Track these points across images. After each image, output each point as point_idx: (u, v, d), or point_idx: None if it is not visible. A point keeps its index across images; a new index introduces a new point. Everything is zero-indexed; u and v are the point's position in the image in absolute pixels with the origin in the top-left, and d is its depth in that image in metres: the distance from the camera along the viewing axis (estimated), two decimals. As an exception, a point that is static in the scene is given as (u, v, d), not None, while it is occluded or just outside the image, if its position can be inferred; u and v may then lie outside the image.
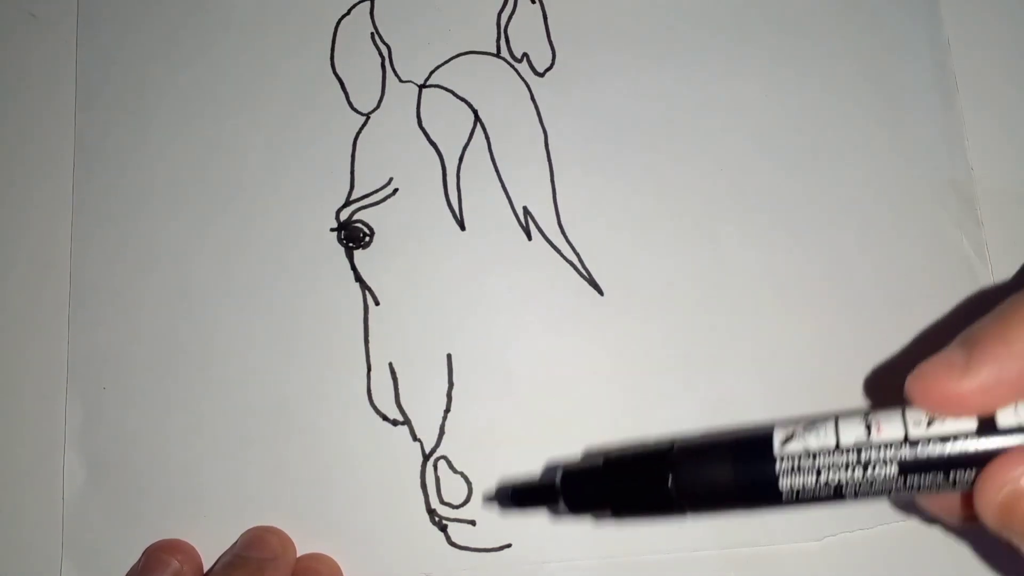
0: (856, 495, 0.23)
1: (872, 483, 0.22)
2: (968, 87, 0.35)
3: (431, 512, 0.33)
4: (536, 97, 0.36)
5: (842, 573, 0.32)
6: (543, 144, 0.36)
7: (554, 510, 0.28)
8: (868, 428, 0.23)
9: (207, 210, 0.36)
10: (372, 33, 0.37)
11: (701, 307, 0.34)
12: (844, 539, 0.32)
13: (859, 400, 0.32)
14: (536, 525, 0.33)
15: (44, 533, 0.34)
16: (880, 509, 0.32)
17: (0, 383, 0.35)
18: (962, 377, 0.21)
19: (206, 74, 0.37)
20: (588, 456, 0.30)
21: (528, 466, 0.33)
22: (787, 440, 0.23)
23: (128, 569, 0.33)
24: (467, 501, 0.33)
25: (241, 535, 0.33)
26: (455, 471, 0.33)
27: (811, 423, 0.23)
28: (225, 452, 0.34)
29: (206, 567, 0.33)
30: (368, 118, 0.36)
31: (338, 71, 0.37)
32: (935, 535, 0.32)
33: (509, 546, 0.33)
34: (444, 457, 0.33)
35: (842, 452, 0.23)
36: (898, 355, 0.33)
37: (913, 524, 0.32)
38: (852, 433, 0.23)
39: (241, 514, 0.33)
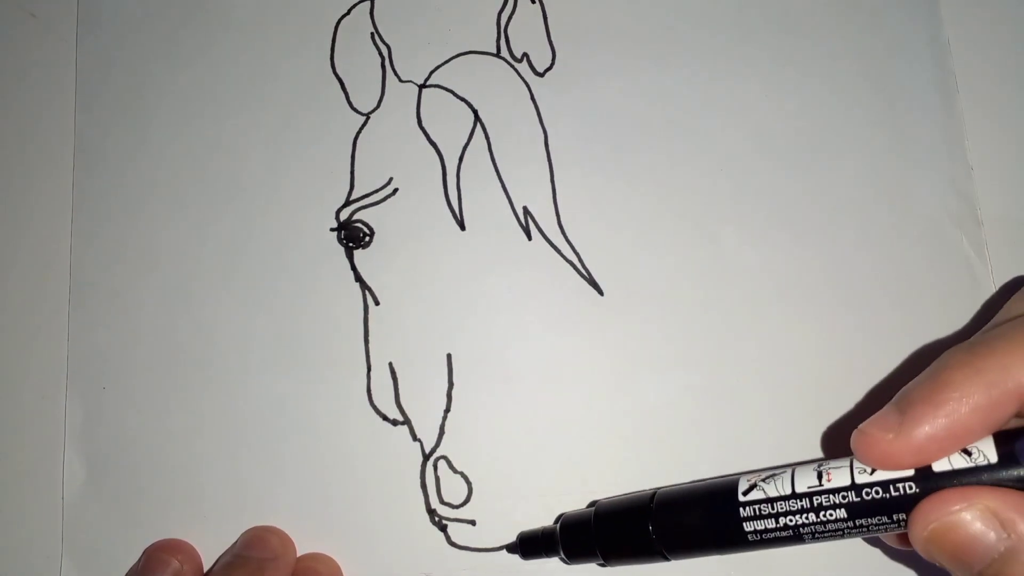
0: (813, 536, 0.25)
1: (825, 524, 0.25)
2: (968, 87, 0.35)
3: (431, 512, 0.33)
4: (536, 97, 0.36)
5: (842, 573, 0.32)
6: (543, 144, 0.36)
7: (558, 559, 0.31)
8: (819, 476, 0.25)
9: (207, 210, 0.36)
10: (372, 33, 0.37)
11: (701, 307, 0.34)
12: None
13: (860, 400, 0.32)
14: (535, 525, 0.32)
15: (44, 533, 0.34)
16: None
17: (0, 383, 0.35)
18: (896, 439, 0.23)
19: (206, 74, 0.37)
20: (589, 505, 0.31)
21: (528, 466, 0.33)
22: (749, 490, 0.26)
23: (128, 569, 0.33)
24: (467, 501, 0.33)
25: (241, 535, 0.33)
26: (455, 471, 0.33)
27: (771, 475, 0.26)
28: (225, 452, 0.34)
29: (206, 567, 0.33)
30: (368, 118, 0.36)
31: (338, 71, 0.37)
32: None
33: (509, 546, 0.33)
34: (444, 457, 0.33)
35: (797, 498, 0.25)
36: (897, 354, 0.33)
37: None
38: (805, 481, 0.25)
39: (241, 514, 0.33)
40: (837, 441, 0.32)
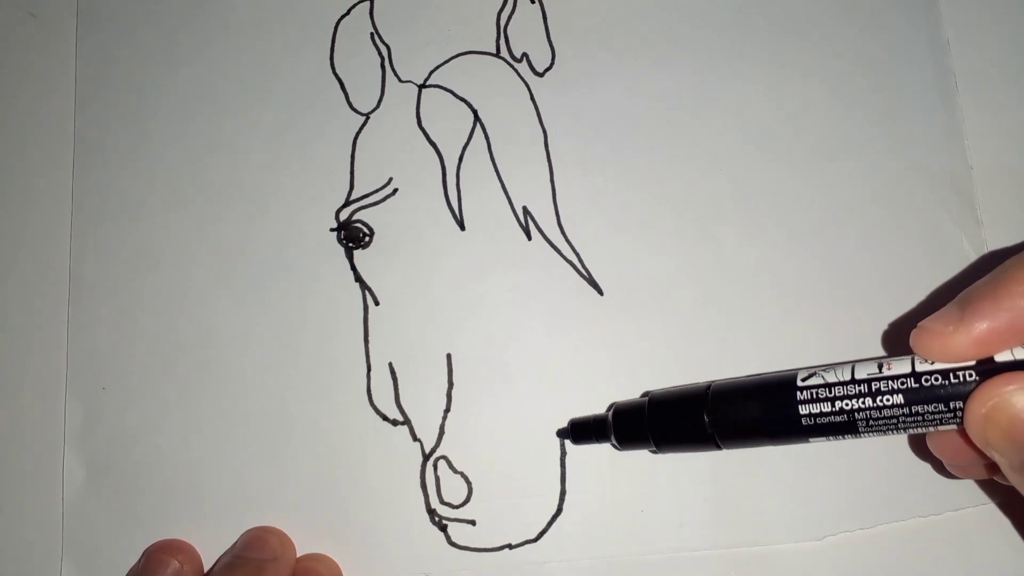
0: (867, 425, 0.25)
1: (881, 411, 0.25)
2: (968, 87, 0.35)
3: (431, 512, 0.33)
4: (536, 97, 0.36)
5: (842, 573, 0.32)
6: (543, 144, 0.36)
7: (609, 444, 0.31)
8: (880, 367, 0.25)
9: (207, 210, 0.36)
10: (372, 33, 0.37)
11: (701, 307, 0.34)
12: (844, 539, 0.32)
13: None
14: (535, 525, 0.33)
15: (44, 533, 0.34)
16: (879, 509, 0.32)
17: (0, 383, 0.35)
18: (956, 332, 0.24)
19: (206, 74, 0.37)
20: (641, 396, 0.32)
21: (528, 466, 0.33)
22: (808, 377, 0.27)
23: (128, 569, 0.33)
24: (467, 501, 0.33)
25: (241, 535, 0.33)
26: (455, 471, 0.33)
27: (831, 366, 0.26)
28: (225, 452, 0.34)
29: (206, 567, 0.33)
30: (368, 118, 0.36)
31: (338, 71, 0.37)
32: (934, 535, 0.32)
33: (509, 546, 0.33)
34: (444, 457, 0.33)
35: (856, 384, 0.25)
36: (897, 354, 0.33)
37: (913, 524, 0.32)
38: (865, 370, 0.26)
39: (241, 514, 0.33)
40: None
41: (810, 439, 0.27)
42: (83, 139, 0.37)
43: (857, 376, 0.26)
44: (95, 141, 0.37)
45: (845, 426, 0.26)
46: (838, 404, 0.26)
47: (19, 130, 0.38)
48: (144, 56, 0.38)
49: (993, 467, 0.25)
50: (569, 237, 0.35)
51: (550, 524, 0.33)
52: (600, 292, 0.34)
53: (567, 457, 0.33)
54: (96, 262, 0.36)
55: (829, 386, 0.26)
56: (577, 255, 0.35)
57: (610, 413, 0.31)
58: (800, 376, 0.27)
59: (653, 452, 0.31)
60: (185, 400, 0.34)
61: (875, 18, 0.36)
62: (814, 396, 0.26)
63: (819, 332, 0.33)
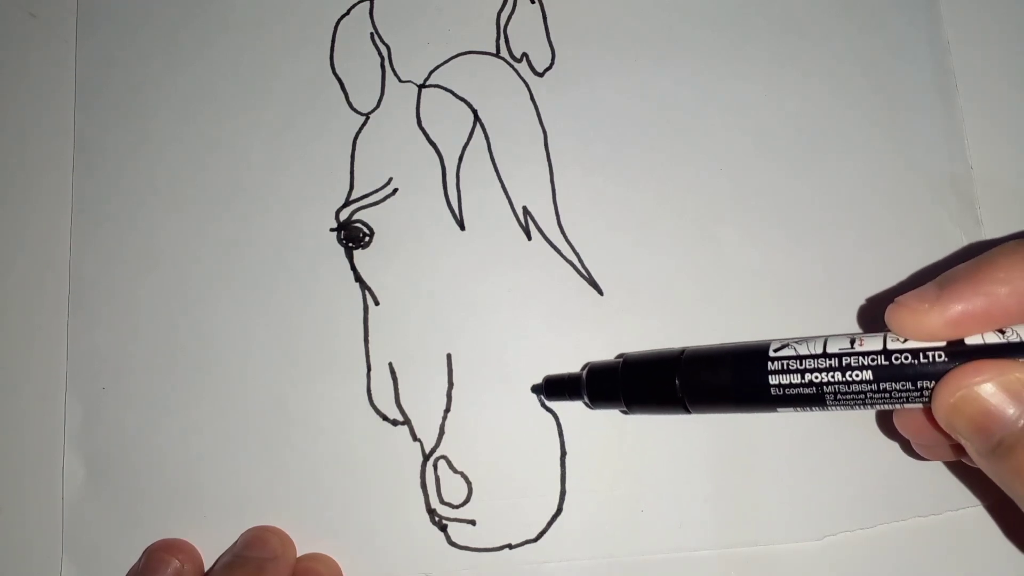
0: (835, 398, 0.26)
1: (849, 385, 0.25)
2: (968, 87, 0.35)
3: (431, 512, 0.33)
4: (536, 97, 0.36)
5: (842, 573, 0.32)
6: (543, 144, 0.36)
7: (582, 402, 0.32)
8: (852, 342, 0.26)
9: (207, 210, 0.36)
10: (372, 33, 0.37)
11: (701, 307, 0.34)
12: (844, 539, 0.32)
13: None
14: (535, 525, 0.33)
15: (44, 533, 0.34)
16: (879, 509, 0.32)
17: (0, 383, 0.35)
18: (931, 310, 0.24)
19: (206, 74, 0.37)
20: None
21: (528, 466, 0.33)
22: (781, 348, 0.27)
23: (128, 569, 0.33)
24: (467, 501, 0.33)
25: (241, 535, 0.33)
26: (455, 471, 0.33)
27: (804, 338, 0.27)
28: (225, 452, 0.34)
29: (206, 566, 0.33)
30: (368, 118, 0.36)
31: (338, 71, 0.37)
32: (934, 535, 0.32)
33: (509, 546, 0.33)
34: (444, 457, 0.33)
35: (826, 358, 0.26)
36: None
37: (913, 524, 0.32)
38: (837, 344, 0.26)
39: (241, 514, 0.33)
40: (837, 439, 0.32)
41: (778, 408, 0.27)
42: (83, 139, 0.37)
43: (829, 350, 0.26)
44: (95, 141, 0.37)
45: (813, 398, 0.26)
46: (808, 376, 0.26)
47: (19, 130, 0.38)
48: (144, 56, 0.38)
49: (959, 449, 0.25)
50: (569, 237, 0.35)
51: (550, 524, 0.33)
52: (600, 292, 0.34)
53: (567, 457, 0.33)
54: (96, 262, 0.36)
55: (800, 358, 0.26)
56: (577, 255, 0.35)
57: (584, 372, 0.31)
58: (773, 346, 0.27)
59: (624, 412, 0.31)
60: (185, 400, 0.34)
61: (875, 18, 0.36)
62: (785, 367, 0.26)
63: (818, 332, 0.33)
